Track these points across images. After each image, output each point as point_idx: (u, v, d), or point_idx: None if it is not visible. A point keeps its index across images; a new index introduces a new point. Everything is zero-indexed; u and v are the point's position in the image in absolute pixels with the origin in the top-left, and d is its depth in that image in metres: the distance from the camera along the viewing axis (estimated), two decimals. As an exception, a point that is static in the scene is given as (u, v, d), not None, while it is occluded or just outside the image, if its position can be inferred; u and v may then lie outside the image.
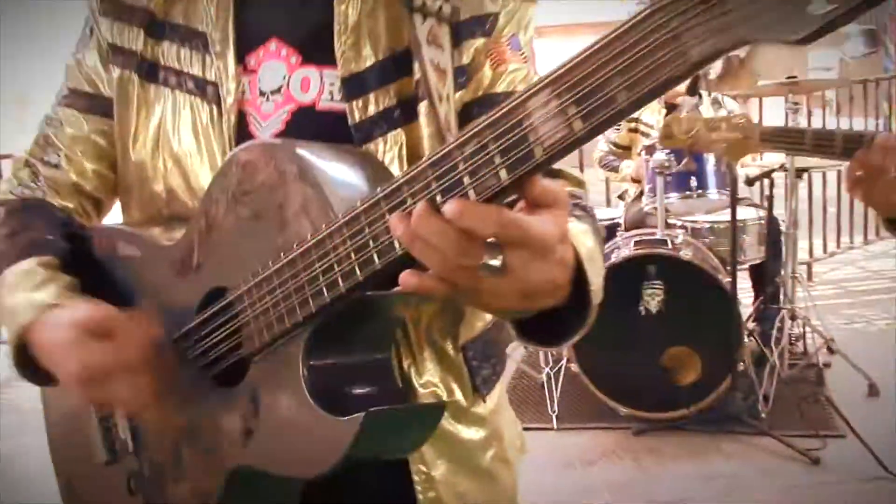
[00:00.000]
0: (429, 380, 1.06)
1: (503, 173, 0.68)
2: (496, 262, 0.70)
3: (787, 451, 3.38)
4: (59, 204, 1.13)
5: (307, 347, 0.86)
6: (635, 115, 4.37)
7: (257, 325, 0.89)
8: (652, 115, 4.44)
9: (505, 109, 0.68)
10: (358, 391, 0.90)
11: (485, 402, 1.13)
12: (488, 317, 1.13)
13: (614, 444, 3.63)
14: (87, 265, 1.07)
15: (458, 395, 1.10)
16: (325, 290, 0.82)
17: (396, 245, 0.75)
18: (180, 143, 1.04)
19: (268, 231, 0.88)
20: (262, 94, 1.04)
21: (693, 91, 4.13)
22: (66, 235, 1.09)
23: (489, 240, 0.70)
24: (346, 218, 0.79)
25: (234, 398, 0.93)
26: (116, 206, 1.19)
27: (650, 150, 3.97)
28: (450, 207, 0.68)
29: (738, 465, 3.36)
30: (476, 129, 0.69)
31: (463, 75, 1.05)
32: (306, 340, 0.86)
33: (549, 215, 0.70)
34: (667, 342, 3.62)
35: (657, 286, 3.59)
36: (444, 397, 1.08)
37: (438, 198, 0.71)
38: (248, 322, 0.90)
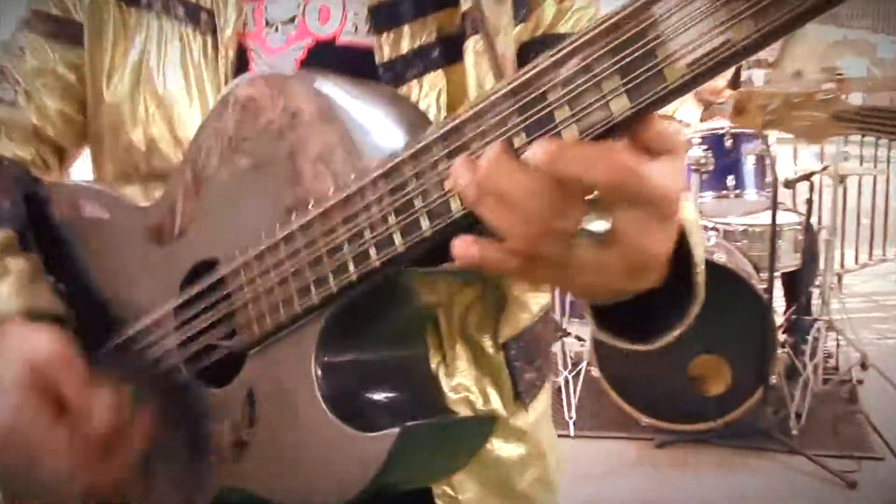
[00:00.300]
0: (461, 382, 0.87)
1: (619, 103, 0.48)
2: (601, 227, 0.50)
3: (820, 472, 3.20)
4: (13, 154, 0.93)
5: (322, 339, 0.66)
6: (671, 110, 4.17)
7: (257, 309, 0.70)
8: (688, 109, 4.23)
9: (627, 11, 0.47)
10: (385, 398, 0.69)
11: (527, 412, 0.94)
12: (535, 307, 0.94)
13: (635, 455, 3.44)
14: (44, 231, 0.87)
15: (496, 402, 0.90)
16: (350, 263, 0.62)
17: (454, 204, 0.56)
18: (165, 83, 0.86)
19: (274, 187, 0.69)
20: (268, 24, 0.85)
21: (735, 83, 3.92)
22: (23, 198, 0.90)
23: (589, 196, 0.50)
24: (385, 168, 0.60)
25: (222, 401, 0.74)
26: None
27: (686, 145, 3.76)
28: (541, 148, 0.49)
29: (766, 484, 3.19)
30: (579, 43, 0.49)
31: (523, 7, 0.85)
32: (321, 331, 0.66)
33: (666, 165, 0.51)
34: (695, 350, 3.43)
35: (688, 290, 3.37)
36: (480, 405, 0.88)
37: (521, 137, 0.51)
38: (244, 305, 0.71)
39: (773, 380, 3.44)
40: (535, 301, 0.94)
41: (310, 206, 0.65)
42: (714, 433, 3.44)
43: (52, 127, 0.94)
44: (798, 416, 3.46)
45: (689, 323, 0.68)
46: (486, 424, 0.73)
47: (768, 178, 3.70)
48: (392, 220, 0.60)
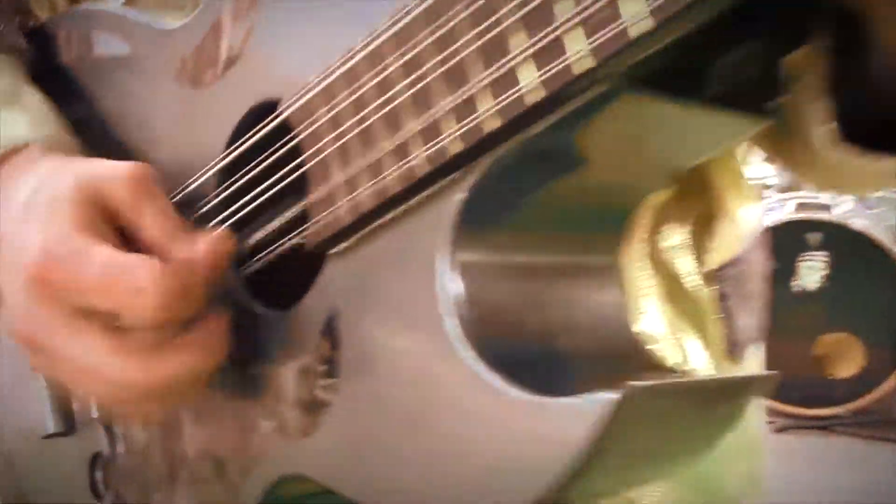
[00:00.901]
0: (648, 329, 0.62)
1: None
2: None
3: (963, 471, 3.00)
4: None
5: (462, 226, 0.37)
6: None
7: (345, 171, 0.41)
8: None
9: None
10: (567, 341, 0.40)
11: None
12: (749, 224, 0.69)
13: (749, 440, 3.20)
14: (46, 78, 0.62)
15: (699, 359, 0.65)
16: (526, 68, 0.33)
17: None
18: None
19: None
20: None
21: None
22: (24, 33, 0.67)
23: None
24: None
25: (286, 332, 0.46)
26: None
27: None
28: None
29: (899, 482, 3.01)
30: None
31: None
32: (461, 209, 0.37)
33: None
34: (823, 326, 3.29)
35: (819, 259, 3.23)
36: (677, 362, 0.63)
37: None
38: (323, 164, 0.42)
39: (914, 363, 3.23)
40: (748, 215, 0.69)
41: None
42: (841, 420, 3.26)
43: None
44: (940, 406, 3.28)
45: None
46: (763, 385, 0.42)
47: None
48: None
